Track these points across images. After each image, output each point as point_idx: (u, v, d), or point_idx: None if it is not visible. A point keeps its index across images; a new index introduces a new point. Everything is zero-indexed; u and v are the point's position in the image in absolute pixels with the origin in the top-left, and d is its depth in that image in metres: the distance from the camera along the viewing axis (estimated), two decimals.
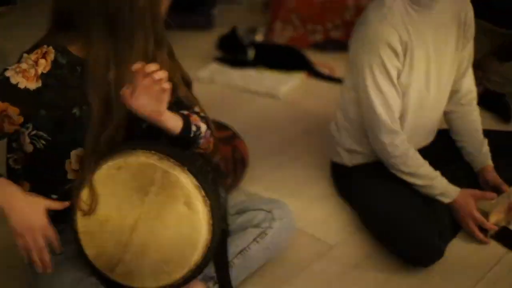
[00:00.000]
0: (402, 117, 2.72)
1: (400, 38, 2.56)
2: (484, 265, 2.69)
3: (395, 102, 2.65)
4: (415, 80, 2.66)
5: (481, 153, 2.91)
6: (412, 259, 2.62)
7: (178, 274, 2.18)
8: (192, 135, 2.19)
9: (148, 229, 2.13)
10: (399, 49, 2.57)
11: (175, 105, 2.24)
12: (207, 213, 2.12)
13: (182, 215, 2.11)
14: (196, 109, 2.32)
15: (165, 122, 2.13)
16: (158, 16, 2.11)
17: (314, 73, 4.19)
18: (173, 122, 2.15)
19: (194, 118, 2.22)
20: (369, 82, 2.61)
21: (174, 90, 2.18)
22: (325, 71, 4.18)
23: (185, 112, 2.23)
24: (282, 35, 4.57)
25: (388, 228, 2.65)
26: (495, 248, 2.77)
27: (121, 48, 2.03)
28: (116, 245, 2.15)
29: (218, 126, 2.91)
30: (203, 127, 2.24)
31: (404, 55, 2.60)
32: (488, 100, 3.75)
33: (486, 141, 2.93)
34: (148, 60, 2.05)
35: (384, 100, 2.63)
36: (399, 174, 2.74)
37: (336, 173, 3.02)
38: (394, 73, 2.60)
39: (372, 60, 2.59)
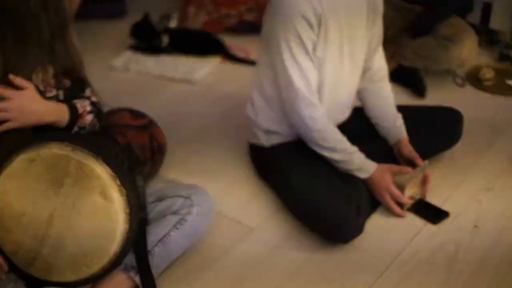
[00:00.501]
0: (319, 91, 2.73)
1: (314, 10, 2.56)
2: (404, 238, 2.74)
3: (313, 75, 2.66)
4: (330, 53, 2.67)
5: (395, 127, 2.95)
6: (332, 236, 2.64)
7: (98, 265, 2.16)
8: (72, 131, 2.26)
9: (65, 221, 2.10)
10: (313, 21, 2.57)
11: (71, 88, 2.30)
12: (124, 202, 2.11)
13: (98, 206, 2.08)
14: (88, 92, 2.36)
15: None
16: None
17: (229, 56, 4.17)
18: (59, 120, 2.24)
19: (82, 119, 2.29)
20: (286, 55, 2.61)
21: (78, 71, 2.30)
22: (240, 54, 4.18)
23: (80, 111, 2.28)
24: (196, 20, 4.54)
25: (307, 207, 2.67)
26: (413, 220, 2.83)
27: (8, 39, 2.00)
28: (33, 239, 2.12)
29: (134, 114, 2.90)
30: (88, 121, 2.30)
31: (319, 27, 2.60)
32: (402, 76, 3.81)
33: (400, 115, 2.97)
34: (45, 49, 2.06)
35: (302, 72, 2.63)
36: (318, 149, 2.75)
37: (255, 155, 3.03)
38: (310, 46, 2.61)
39: (288, 33, 2.59)
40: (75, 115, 2.26)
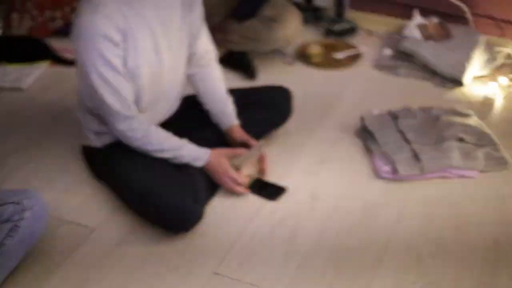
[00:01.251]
0: (138, 98, 2.70)
1: (117, 26, 2.52)
2: (245, 218, 2.79)
3: (125, 89, 2.62)
4: (144, 59, 2.63)
5: (225, 113, 2.98)
6: (173, 227, 2.65)
7: None
8: None
9: None
10: (117, 38, 2.53)
11: None
12: None
13: None
14: None
15: None
16: None
17: (58, 59, 4.09)
18: None
19: None
20: (94, 76, 2.57)
21: None
22: (69, 55, 4.10)
23: None
24: (21, 27, 4.41)
25: (144, 201, 2.66)
26: (253, 200, 2.88)
27: None
28: None
29: None
30: None
31: (125, 41, 2.56)
32: (232, 60, 3.85)
33: (229, 100, 3.00)
34: None
35: (113, 90, 2.59)
36: (147, 153, 2.74)
37: (88, 156, 2.98)
38: (117, 62, 2.57)
39: (92, 55, 2.53)
40: None
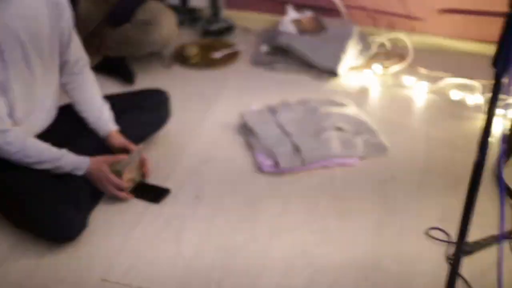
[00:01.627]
0: (11, 111, 2.65)
1: None
2: (130, 223, 2.78)
3: None
4: (14, 71, 2.58)
5: (102, 120, 2.96)
6: (56, 238, 2.62)
7: None
8: None
9: None
10: None
11: None
12: None
13: None
14: None
15: None
16: None
17: None
18: None
19: None
20: None
21: None
22: None
23: None
24: None
25: (26, 214, 2.61)
26: (137, 204, 2.88)
27: None
28: None
29: None
30: None
31: None
32: (109, 66, 3.83)
33: (106, 107, 2.98)
34: None
35: None
36: (26, 165, 2.68)
37: None
38: None
39: None
40: None
